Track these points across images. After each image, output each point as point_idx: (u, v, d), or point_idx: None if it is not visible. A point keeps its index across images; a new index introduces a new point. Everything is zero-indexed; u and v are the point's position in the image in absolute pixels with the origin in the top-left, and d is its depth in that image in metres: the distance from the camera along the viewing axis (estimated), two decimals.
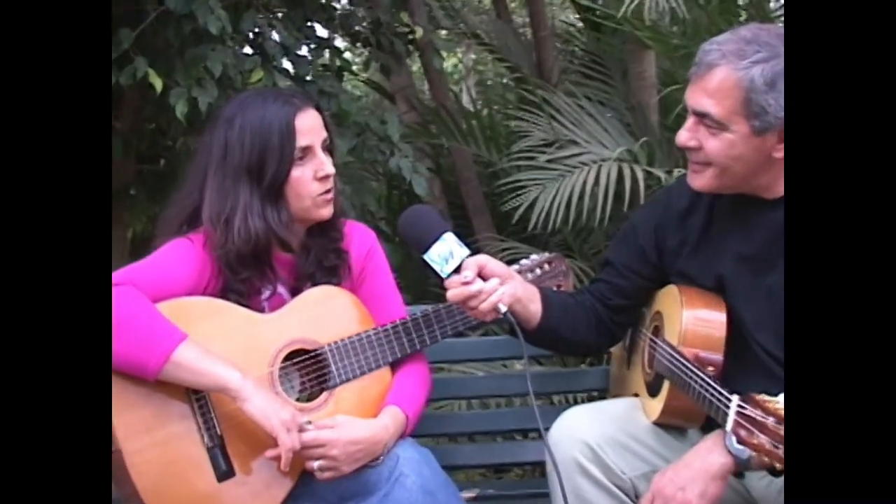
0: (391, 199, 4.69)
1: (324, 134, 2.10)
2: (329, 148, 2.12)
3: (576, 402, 2.65)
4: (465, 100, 5.74)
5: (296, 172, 2.04)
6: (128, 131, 3.73)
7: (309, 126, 2.06)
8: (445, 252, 1.96)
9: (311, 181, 2.06)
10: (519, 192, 3.68)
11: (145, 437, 1.89)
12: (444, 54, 4.30)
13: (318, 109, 2.12)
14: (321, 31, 3.86)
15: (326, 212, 2.10)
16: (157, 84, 2.71)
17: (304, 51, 3.62)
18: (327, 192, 2.09)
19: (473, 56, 7.94)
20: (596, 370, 2.68)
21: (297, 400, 2.06)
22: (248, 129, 2.02)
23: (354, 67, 4.42)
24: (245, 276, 2.05)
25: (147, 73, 2.69)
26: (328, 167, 2.07)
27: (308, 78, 3.38)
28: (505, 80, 5.36)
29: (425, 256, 1.97)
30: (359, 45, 4.12)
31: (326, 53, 3.88)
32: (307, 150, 2.05)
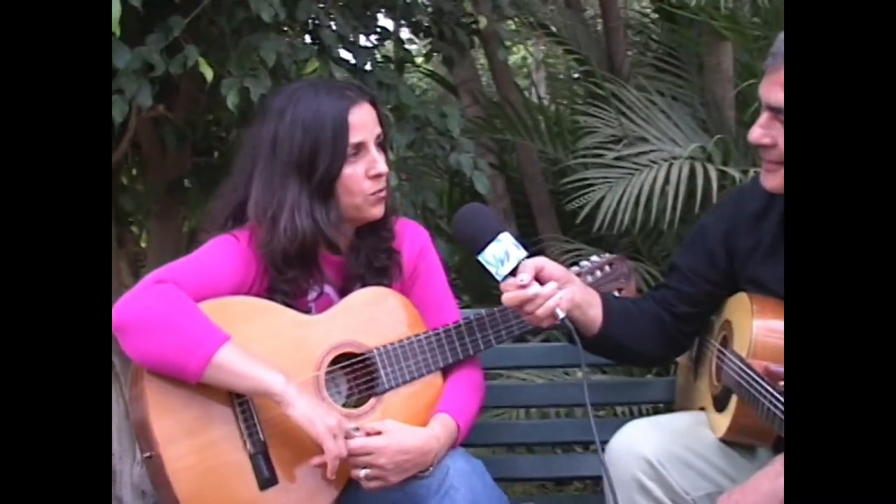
0: (453, 197, 4.67)
1: (378, 129, 2.07)
2: (383, 144, 2.10)
3: (640, 415, 2.61)
4: (535, 94, 5.69)
5: (347, 170, 2.02)
6: (182, 122, 3.76)
7: (363, 121, 2.03)
8: (501, 253, 1.94)
9: (363, 179, 2.04)
10: (585, 191, 3.64)
11: (186, 441, 1.89)
12: (512, 46, 4.27)
13: (374, 103, 2.09)
14: (382, 21, 3.84)
15: (377, 211, 2.08)
16: (208, 73, 2.71)
17: (362, 41, 3.61)
18: (379, 190, 2.06)
19: (543, 48, 7.89)
20: (662, 381, 2.63)
21: (344, 406, 2.04)
22: (300, 122, 2.00)
23: (414, 59, 4.40)
24: (291, 276, 2.04)
25: (197, 62, 2.69)
26: (381, 165, 2.05)
27: (367, 68, 3.37)
28: (575, 74, 5.30)
29: (480, 257, 1.95)
30: (420, 35, 4.10)
31: (388, 44, 3.86)
32: (360, 147, 2.03)
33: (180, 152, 3.95)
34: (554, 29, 4.83)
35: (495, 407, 3.34)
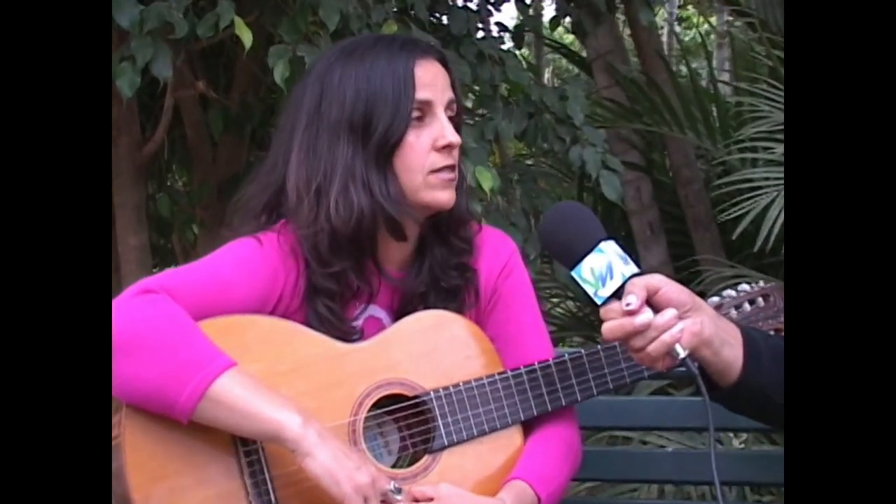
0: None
1: (450, 94, 2.06)
2: (457, 120, 2.07)
3: None
4: (688, 72, 5.62)
5: (410, 136, 2.00)
6: (238, 108, 3.82)
7: (432, 77, 2.03)
8: (602, 268, 1.86)
9: (428, 151, 2.01)
10: (746, 196, 3.50)
11: (176, 498, 1.86)
12: (689, 17, 4.23)
13: (445, 64, 2.08)
14: None
15: (444, 196, 2.03)
16: (246, 38, 2.72)
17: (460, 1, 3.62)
18: (447, 168, 2.03)
19: (730, 18, 7.85)
20: None
21: (396, 465, 2.02)
22: (353, 75, 2.00)
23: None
24: (338, 269, 2.00)
25: (233, 23, 2.70)
26: (451, 134, 2.02)
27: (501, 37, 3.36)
28: (756, 48, 5.20)
29: (574, 273, 1.88)
30: None
31: (504, 9, 3.85)
32: (427, 108, 2.01)
33: (234, 144, 4.01)
34: None
35: (618, 481, 3.24)
